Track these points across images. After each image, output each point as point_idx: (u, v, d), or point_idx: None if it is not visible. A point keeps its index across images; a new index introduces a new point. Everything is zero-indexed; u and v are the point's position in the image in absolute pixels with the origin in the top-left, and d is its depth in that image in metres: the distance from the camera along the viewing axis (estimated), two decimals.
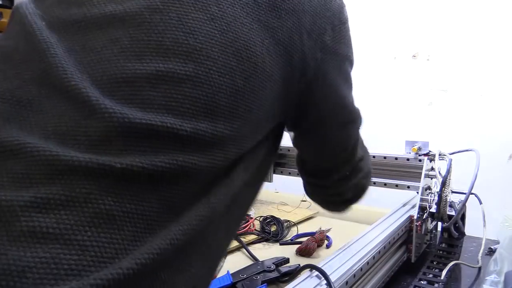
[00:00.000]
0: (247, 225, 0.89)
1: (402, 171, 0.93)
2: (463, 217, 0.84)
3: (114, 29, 0.36)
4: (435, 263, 0.77)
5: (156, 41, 0.35)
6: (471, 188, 0.73)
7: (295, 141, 0.57)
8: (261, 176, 0.48)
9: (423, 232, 0.80)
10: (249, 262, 0.75)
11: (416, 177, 0.87)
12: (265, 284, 0.65)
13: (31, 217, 0.27)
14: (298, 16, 0.42)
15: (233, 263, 0.76)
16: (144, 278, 0.30)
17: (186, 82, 0.34)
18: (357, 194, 0.65)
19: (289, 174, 1.11)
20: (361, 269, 0.57)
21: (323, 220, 1.02)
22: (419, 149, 0.89)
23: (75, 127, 0.31)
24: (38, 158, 0.29)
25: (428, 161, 0.85)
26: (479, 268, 0.78)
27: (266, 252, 0.82)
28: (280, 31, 0.40)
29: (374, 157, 0.97)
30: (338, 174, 0.59)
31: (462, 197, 0.79)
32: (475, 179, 0.72)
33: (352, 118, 0.55)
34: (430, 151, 0.88)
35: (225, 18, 0.37)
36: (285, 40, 0.41)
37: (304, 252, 0.79)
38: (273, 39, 0.40)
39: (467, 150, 0.83)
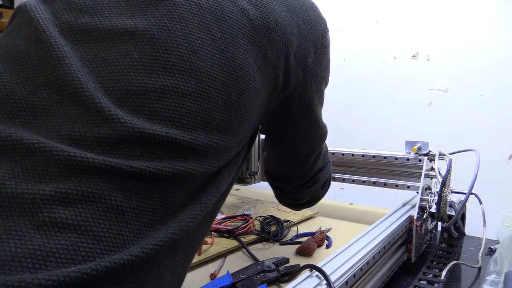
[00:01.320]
0: (247, 225, 0.89)
1: (402, 171, 0.93)
2: (463, 217, 0.84)
3: (125, 43, 0.38)
4: (435, 263, 0.77)
5: (164, 57, 0.38)
6: (471, 188, 0.73)
7: (265, 143, 0.63)
8: (237, 175, 0.51)
9: (423, 232, 0.80)
10: (249, 262, 0.75)
11: (416, 177, 0.88)
12: (265, 284, 0.65)
13: (52, 209, 0.30)
14: (288, 38, 0.46)
15: (233, 263, 0.76)
16: (145, 264, 0.34)
17: (188, 97, 0.37)
18: (311, 200, 0.72)
19: None
20: (361, 269, 0.57)
21: (323, 220, 1.02)
22: (419, 149, 0.89)
23: (88, 133, 0.34)
24: (57, 157, 0.32)
25: (428, 161, 0.85)
26: (479, 268, 0.78)
27: (266, 252, 0.82)
28: (271, 52, 0.44)
29: (374, 157, 0.97)
30: (296, 182, 0.65)
31: (462, 197, 0.79)
32: (475, 179, 0.72)
33: (319, 134, 0.60)
34: (430, 151, 0.88)
35: (224, 39, 0.41)
36: (274, 60, 0.45)
37: (304, 252, 0.79)
38: (264, 59, 0.44)
39: (467, 150, 0.83)
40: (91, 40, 0.39)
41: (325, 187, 0.71)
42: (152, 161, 0.35)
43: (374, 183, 0.98)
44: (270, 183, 0.71)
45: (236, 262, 0.76)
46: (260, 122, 0.50)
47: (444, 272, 0.69)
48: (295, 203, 0.72)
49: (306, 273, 0.52)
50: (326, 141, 0.64)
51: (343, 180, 1.03)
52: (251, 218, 0.93)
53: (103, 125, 0.34)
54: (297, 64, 0.48)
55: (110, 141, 0.34)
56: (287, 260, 0.73)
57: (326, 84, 0.57)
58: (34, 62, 0.37)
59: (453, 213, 0.79)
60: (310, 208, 1.07)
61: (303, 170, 0.63)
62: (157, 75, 0.37)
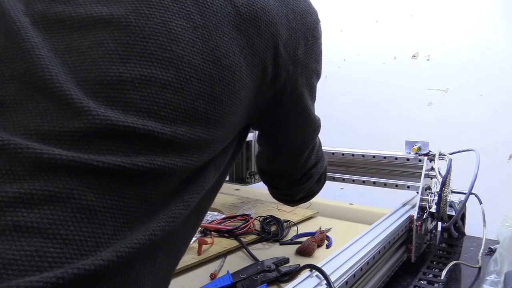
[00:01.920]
0: (247, 225, 0.89)
1: (402, 171, 0.93)
2: (463, 217, 0.84)
3: (99, 31, 0.36)
4: (435, 263, 0.77)
5: (141, 45, 0.35)
6: (471, 188, 0.73)
7: (258, 139, 0.61)
8: (226, 173, 0.49)
9: (423, 232, 0.80)
10: (249, 262, 0.75)
11: (416, 177, 0.88)
12: (265, 284, 0.65)
13: (15, 212, 0.28)
14: (276, 28, 0.43)
15: (233, 263, 0.76)
16: (122, 268, 0.31)
17: (168, 88, 0.35)
18: (307, 196, 0.70)
19: None
20: (361, 269, 0.57)
21: (323, 220, 1.02)
22: (419, 149, 0.89)
23: (58, 127, 0.32)
24: (22, 155, 0.30)
25: (428, 161, 0.85)
26: (479, 268, 0.78)
27: (266, 252, 0.82)
28: (258, 42, 0.42)
29: (374, 157, 0.97)
30: (290, 178, 0.64)
31: (462, 197, 0.79)
32: (475, 179, 0.72)
33: (312, 128, 0.58)
34: (430, 151, 0.88)
35: (207, 26, 0.38)
36: (262, 51, 0.42)
37: (304, 252, 0.79)
38: (251, 49, 0.41)
39: (467, 150, 0.83)
40: (64, 29, 0.37)
41: (320, 183, 0.69)
42: (128, 156, 0.32)
43: (374, 183, 0.98)
44: (263, 181, 0.69)
45: (236, 262, 0.76)
46: (250, 117, 0.48)
47: (444, 272, 0.69)
48: (290, 200, 0.71)
49: (306, 273, 0.52)
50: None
51: (343, 180, 1.03)
52: (251, 218, 0.93)
53: (73, 118, 0.32)
54: (287, 56, 0.46)
55: (80, 135, 0.32)
56: (287, 260, 0.73)
57: (318, 77, 0.55)
58: (3, 55, 0.36)
59: (453, 213, 0.79)
60: (310, 208, 1.07)
61: (297, 165, 0.62)
62: (134, 64, 0.35)
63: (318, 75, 0.55)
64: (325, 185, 0.72)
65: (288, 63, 0.46)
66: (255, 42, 0.42)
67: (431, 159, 0.86)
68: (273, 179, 0.67)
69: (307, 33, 0.48)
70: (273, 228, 0.91)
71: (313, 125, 0.58)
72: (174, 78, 0.36)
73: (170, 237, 0.38)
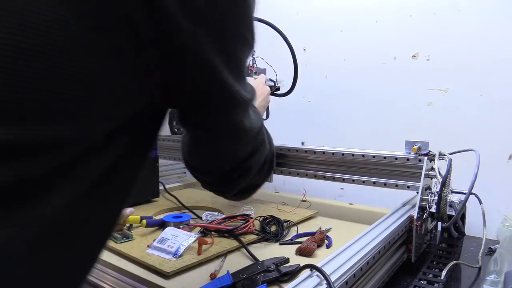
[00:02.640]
0: (247, 225, 0.89)
1: (402, 171, 0.93)
2: (463, 217, 0.84)
3: None
4: (435, 263, 0.77)
5: None
6: (471, 188, 0.73)
7: (177, 118, 0.45)
8: (121, 191, 0.36)
9: (423, 232, 0.80)
10: (249, 262, 0.75)
11: (416, 177, 0.88)
12: (265, 284, 0.65)
13: None
14: None
15: (233, 263, 0.76)
16: None
17: None
18: (247, 190, 0.56)
19: (289, 174, 1.11)
20: (361, 269, 0.57)
21: (323, 220, 1.02)
22: (419, 149, 0.89)
23: None
24: None
25: (428, 161, 0.85)
26: (479, 268, 0.78)
27: (266, 252, 0.82)
28: None
29: (374, 157, 0.97)
30: (217, 171, 0.50)
31: (462, 197, 0.79)
32: (475, 179, 0.73)
33: (239, 108, 0.43)
34: (430, 151, 0.88)
35: None
36: (124, 1, 0.29)
37: (304, 252, 0.79)
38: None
39: (467, 150, 0.83)
40: None
41: (262, 173, 0.54)
42: None
43: (374, 183, 0.98)
44: (190, 172, 0.53)
45: (236, 262, 0.76)
46: (144, 101, 0.34)
47: (444, 272, 0.69)
48: (226, 195, 0.56)
49: (306, 273, 0.52)
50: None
51: (343, 180, 1.03)
52: (251, 218, 0.93)
53: None
54: (175, 6, 0.31)
55: None
56: (287, 260, 0.73)
57: (248, 44, 0.40)
58: None
59: (453, 213, 0.79)
60: (310, 208, 1.07)
61: (221, 157, 0.47)
62: None
63: (245, 41, 0.39)
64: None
65: (177, 16, 0.31)
66: None
67: (431, 159, 0.86)
68: (197, 172, 0.51)
69: None
70: (273, 228, 0.91)
71: (239, 104, 0.42)
72: None
73: None
